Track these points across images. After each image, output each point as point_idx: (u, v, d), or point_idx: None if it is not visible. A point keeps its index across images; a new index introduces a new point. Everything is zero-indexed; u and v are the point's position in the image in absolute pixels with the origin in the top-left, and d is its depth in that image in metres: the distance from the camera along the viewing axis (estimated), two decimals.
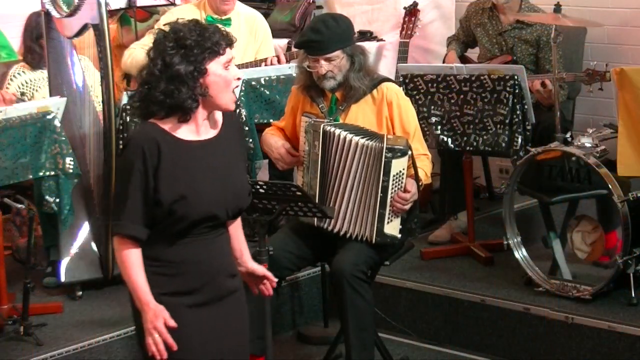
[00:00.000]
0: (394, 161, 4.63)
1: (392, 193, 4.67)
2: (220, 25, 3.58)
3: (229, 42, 3.50)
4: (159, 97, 3.43)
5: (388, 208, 4.68)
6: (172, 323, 3.40)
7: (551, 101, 5.64)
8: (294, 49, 6.49)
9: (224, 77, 3.48)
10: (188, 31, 3.44)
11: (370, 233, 4.70)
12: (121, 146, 5.20)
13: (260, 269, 3.79)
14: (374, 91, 4.82)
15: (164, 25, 3.54)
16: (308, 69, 4.77)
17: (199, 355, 3.53)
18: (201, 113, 3.50)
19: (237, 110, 5.37)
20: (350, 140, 4.69)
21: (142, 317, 3.44)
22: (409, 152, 4.66)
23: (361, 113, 4.81)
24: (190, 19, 3.53)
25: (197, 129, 3.52)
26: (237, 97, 5.46)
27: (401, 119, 4.81)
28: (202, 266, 3.52)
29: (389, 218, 4.69)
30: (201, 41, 3.43)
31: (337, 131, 4.70)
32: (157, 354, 3.40)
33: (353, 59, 4.74)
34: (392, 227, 4.72)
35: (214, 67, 3.46)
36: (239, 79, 3.54)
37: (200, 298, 3.52)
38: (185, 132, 3.50)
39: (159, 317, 3.40)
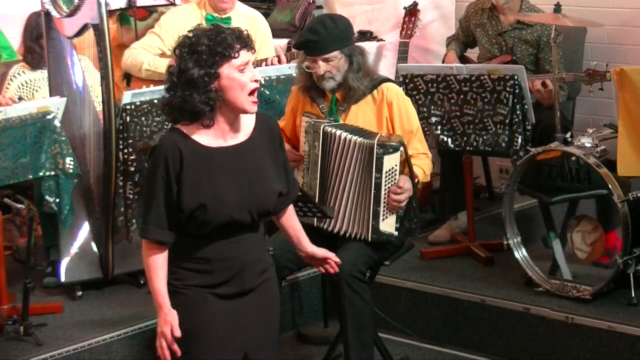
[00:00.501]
0: (385, 157, 4.63)
1: (385, 190, 4.67)
2: (241, 28, 3.60)
3: (245, 44, 3.53)
4: (177, 104, 3.51)
5: (382, 205, 4.67)
6: (177, 333, 3.50)
7: (551, 101, 5.64)
8: (293, 49, 6.49)
9: (238, 80, 3.51)
10: (202, 36, 3.49)
11: (367, 231, 4.70)
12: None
13: (321, 252, 3.97)
14: (374, 92, 4.82)
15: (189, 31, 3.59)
16: (307, 70, 4.77)
17: (222, 345, 3.60)
18: (223, 118, 3.56)
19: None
20: (348, 140, 4.69)
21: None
22: (401, 149, 4.65)
23: (361, 113, 4.81)
24: (210, 25, 3.59)
25: (223, 134, 3.58)
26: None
27: (401, 119, 4.81)
28: (227, 263, 3.60)
29: (384, 215, 4.69)
30: (212, 45, 3.48)
31: (337, 132, 4.71)
32: (162, 358, 3.52)
33: (352, 60, 4.74)
34: (388, 224, 4.71)
35: (227, 70, 3.49)
36: (256, 80, 3.56)
37: (225, 290, 3.60)
38: (211, 138, 3.56)
39: (167, 324, 3.51)
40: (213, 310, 3.59)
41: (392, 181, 4.68)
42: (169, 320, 3.52)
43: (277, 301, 3.81)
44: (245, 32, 3.58)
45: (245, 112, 3.58)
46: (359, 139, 4.67)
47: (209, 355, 3.59)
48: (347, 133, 4.70)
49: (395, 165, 4.66)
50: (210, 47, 3.48)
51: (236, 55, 3.50)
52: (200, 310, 3.57)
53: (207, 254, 3.58)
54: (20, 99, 6.01)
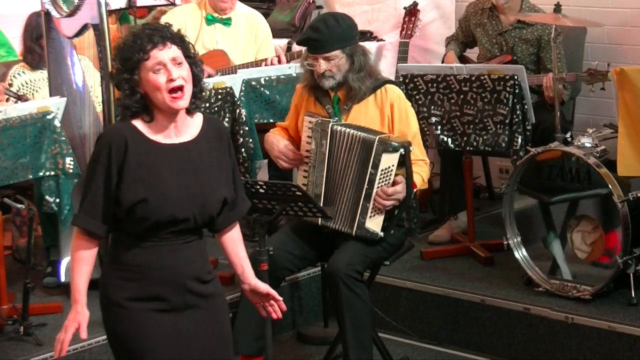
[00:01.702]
0: (383, 155, 4.63)
1: (377, 187, 4.66)
2: (168, 24, 3.52)
3: (155, 43, 3.43)
4: (118, 102, 3.52)
5: (372, 202, 4.67)
6: (83, 335, 3.44)
7: (557, 99, 5.66)
8: (295, 49, 6.49)
9: (152, 82, 3.43)
10: (123, 42, 3.47)
11: (352, 224, 4.69)
12: None
13: (264, 287, 3.69)
14: (377, 92, 4.82)
15: None
16: (308, 67, 4.78)
17: None
18: (161, 115, 3.48)
19: (239, 111, 5.37)
20: (354, 136, 4.70)
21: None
22: (401, 151, 4.64)
23: (363, 113, 4.82)
24: (145, 22, 3.58)
25: (168, 132, 3.50)
26: (237, 96, 5.46)
27: (401, 122, 4.81)
28: (167, 272, 3.47)
29: (371, 213, 4.68)
30: (127, 50, 3.45)
31: (345, 130, 4.71)
32: (55, 350, 3.43)
33: (353, 60, 4.74)
34: (374, 223, 4.70)
35: (144, 74, 3.44)
36: (172, 80, 3.41)
37: (166, 305, 3.48)
38: (157, 134, 3.49)
39: (75, 321, 3.44)
40: (155, 327, 3.46)
41: (386, 180, 4.67)
42: (79, 319, 3.43)
43: (225, 317, 3.63)
44: (164, 28, 3.47)
45: (170, 109, 3.46)
46: (363, 134, 4.68)
47: None
48: (354, 130, 4.70)
49: (392, 166, 4.66)
50: (125, 52, 3.45)
51: (146, 57, 3.43)
52: (142, 329, 3.45)
53: (145, 260, 3.45)
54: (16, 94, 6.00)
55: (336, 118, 4.81)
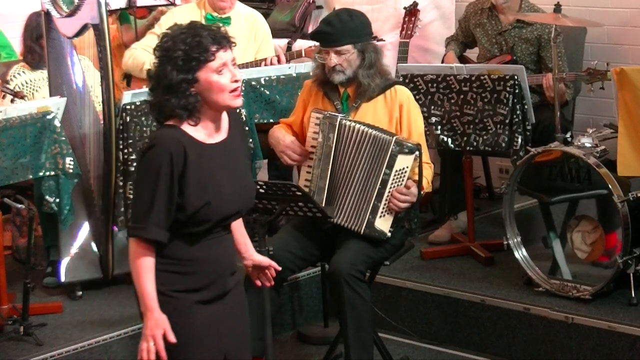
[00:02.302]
0: (399, 156, 4.64)
1: (391, 188, 4.67)
2: (219, 25, 3.58)
3: (221, 44, 3.48)
4: (157, 106, 3.50)
5: (384, 202, 4.68)
6: (171, 338, 3.43)
7: (560, 99, 5.65)
8: (295, 48, 6.49)
9: (216, 83, 3.46)
10: (178, 40, 3.44)
11: (361, 223, 4.70)
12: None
13: (266, 260, 3.87)
14: (387, 92, 4.82)
15: (166, 30, 3.55)
16: (320, 60, 4.78)
17: (207, 351, 3.57)
18: (206, 116, 3.52)
19: (238, 110, 5.38)
20: (364, 133, 4.71)
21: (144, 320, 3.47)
22: (417, 153, 4.67)
23: (371, 112, 4.82)
24: (187, 23, 3.52)
25: (211, 132, 3.55)
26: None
27: (409, 124, 4.82)
28: (214, 264, 3.57)
29: (382, 212, 4.69)
30: (188, 50, 3.43)
31: (355, 125, 4.72)
32: None
33: (364, 56, 4.75)
34: (384, 223, 4.71)
35: (205, 74, 3.45)
36: (236, 80, 3.51)
37: (207, 295, 3.56)
38: (202, 135, 3.53)
39: (159, 327, 3.43)
40: (199, 317, 3.53)
41: (399, 181, 4.68)
42: (161, 325, 3.43)
43: (246, 305, 3.76)
44: (222, 30, 3.52)
45: (230, 108, 3.56)
46: (377, 133, 4.69)
47: None
48: (364, 127, 4.71)
49: (407, 167, 4.67)
50: (186, 52, 3.43)
51: (212, 58, 3.45)
52: (186, 319, 3.51)
53: (194, 255, 3.52)
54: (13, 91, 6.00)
55: (344, 114, 4.81)
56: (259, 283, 3.90)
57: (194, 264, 3.53)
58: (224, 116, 3.62)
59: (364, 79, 4.75)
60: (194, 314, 3.53)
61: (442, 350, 5.42)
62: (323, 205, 4.72)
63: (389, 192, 4.68)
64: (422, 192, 4.75)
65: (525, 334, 5.20)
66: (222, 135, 3.59)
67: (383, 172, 4.66)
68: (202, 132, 3.52)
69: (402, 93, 4.85)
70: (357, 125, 4.73)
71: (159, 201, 3.44)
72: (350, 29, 4.74)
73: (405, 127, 4.81)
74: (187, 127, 3.50)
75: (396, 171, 4.67)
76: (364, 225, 4.70)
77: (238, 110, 5.30)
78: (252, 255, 3.85)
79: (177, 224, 3.49)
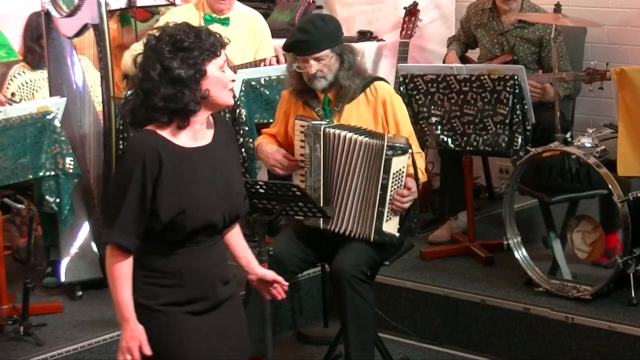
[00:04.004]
0: (394, 159, 4.64)
1: (391, 191, 4.67)
2: (217, 25, 3.59)
3: (223, 44, 3.46)
4: (159, 103, 3.36)
5: (387, 206, 4.68)
6: (147, 350, 3.35)
7: (549, 96, 5.66)
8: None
9: (221, 79, 3.43)
10: (184, 34, 3.38)
11: (369, 231, 4.70)
12: (120, 152, 5.18)
13: (270, 274, 3.75)
14: (367, 90, 4.82)
15: (153, 29, 3.48)
16: (298, 70, 4.76)
17: None
18: (200, 117, 3.44)
19: (230, 113, 5.38)
20: (353, 140, 4.69)
21: (121, 331, 3.38)
22: (410, 151, 4.67)
23: (355, 113, 4.81)
24: (180, 22, 3.47)
25: (195, 135, 3.45)
26: (237, 96, 5.46)
27: (395, 117, 4.81)
28: (200, 276, 3.46)
29: (387, 216, 4.70)
30: (199, 43, 3.38)
31: (339, 132, 4.71)
32: None
33: (342, 58, 4.73)
34: (391, 226, 4.72)
35: (212, 69, 3.41)
36: (233, 80, 3.50)
37: (198, 307, 3.47)
38: (185, 139, 3.43)
39: (134, 339, 3.35)
40: (190, 329, 3.44)
41: (398, 182, 4.68)
42: (137, 336, 3.34)
43: (243, 315, 3.66)
44: (216, 32, 3.50)
45: (228, 106, 3.52)
46: (366, 139, 4.67)
47: None
48: (351, 133, 4.69)
49: (403, 167, 4.68)
50: (197, 44, 3.38)
51: (219, 53, 3.43)
52: (177, 333, 3.43)
53: (178, 267, 3.42)
54: (17, 98, 6.00)
55: (327, 120, 4.79)
56: (268, 297, 3.81)
57: (177, 276, 3.43)
58: (210, 120, 3.53)
59: (344, 81, 4.72)
60: (184, 326, 3.43)
61: (442, 350, 5.42)
62: (330, 209, 4.72)
63: (391, 195, 4.68)
64: (419, 184, 4.75)
65: (525, 334, 5.20)
66: (206, 139, 3.49)
67: (381, 177, 4.65)
68: (184, 136, 3.43)
69: (382, 89, 4.83)
70: (343, 133, 4.69)
71: (127, 206, 3.34)
72: (326, 33, 4.72)
73: (391, 122, 4.80)
74: (166, 132, 3.40)
75: (394, 174, 4.66)
76: (373, 232, 4.70)
77: (238, 111, 5.34)
78: (254, 269, 3.73)
79: (156, 233, 3.39)
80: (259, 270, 3.74)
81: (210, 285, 3.48)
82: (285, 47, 4.86)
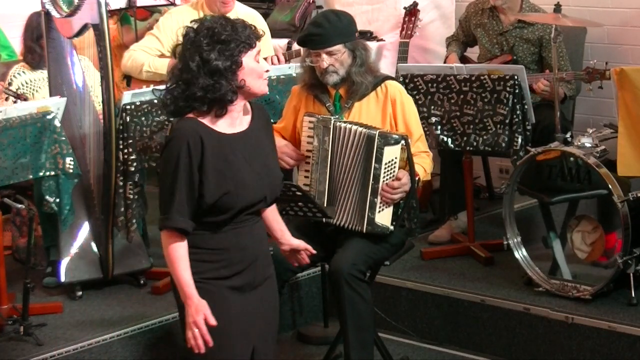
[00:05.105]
0: (385, 148, 4.63)
1: (383, 181, 4.67)
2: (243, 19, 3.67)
3: (258, 36, 3.64)
4: (198, 93, 3.54)
5: (379, 197, 4.68)
6: (212, 320, 3.50)
7: (551, 96, 5.66)
8: (294, 47, 6.49)
9: (256, 69, 3.61)
10: (221, 27, 3.56)
11: (362, 222, 4.70)
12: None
13: (302, 244, 4.04)
14: (378, 89, 4.83)
15: (191, 22, 3.64)
16: (310, 64, 4.78)
17: (239, 339, 3.64)
18: (238, 105, 3.63)
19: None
20: (355, 131, 4.70)
21: (185, 310, 3.55)
22: (402, 142, 4.65)
23: (365, 110, 4.82)
24: (218, 15, 3.71)
25: (233, 122, 3.64)
26: None
27: (404, 117, 4.82)
28: (244, 252, 3.65)
29: (380, 207, 4.69)
30: (235, 36, 3.56)
31: (348, 126, 4.72)
32: (196, 347, 3.50)
33: (355, 54, 4.75)
34: (384, 217, 4.70)
35: (247, 60, 3.59)
36: (267, 70, 3.66)
37: (240, 281, 3.64)
38: (224, 126, 3.62)
39: (199, 313, 3.50)
40: (230, 304, 3.62)
41: (391, 173, 4.68)
42: (201, 310, 3.50)
43: (277, 299, 3.87)
44: (251, 24, 3.67)
45: (263, 94, 3.68)
46: (363, 130, 4.70)
47: (229, 349, 3.62)
48: (357, 126, 4.72)
49: (395, 158, 4.67)
50: (234, 37, 3.56)
51: (254, 45, 3.60)
52: (219, 305, 3.58)
53: (224, 244, 3.62)
54: (13, 87, 5.99)
55: (337, 116, 4.81)
56: (295, 264, 4.11)
57: (223, 252, 3.61)
58: (247, 107, 3.71)
59: (356, 78, 4.75)
60: (227, 300, 3.61)
61: (442, 350, 5.42)
62: (331, 208, 4.73)
63: (382, 186, 4.67)
64: (419, 180, 4.75)
65: (525, 334, 5.20)
66: (244, 125, 3.68)
67: (373, 167, 4.66)
68: (223, 123, 3.62)
69: (393, 88, 4.84)
70: (350, 126, 4.73)
71: (179, 191, 3.54)
72: (339, 28, 4.74)
73: (400, 121, 4.81)
74: (205, 119, 3.59)
75: (385, 164, 4.66)
76: (365, 223, 4.70)
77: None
78: (289, 240, 4.01)
79: (202, 213, 3.57)
80: (293, 241, 4.03)
81: (251, 263, 3.66)
82: (299, 41, 4.95)
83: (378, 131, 4.65)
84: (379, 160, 4.64)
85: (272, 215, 3.94)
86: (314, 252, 4.09)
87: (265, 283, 3.75)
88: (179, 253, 3.56)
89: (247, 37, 3.58)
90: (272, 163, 3.75)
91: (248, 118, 3.71)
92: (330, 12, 4.92)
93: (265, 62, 3.68)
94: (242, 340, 3.66)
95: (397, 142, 4.65)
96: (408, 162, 4.69)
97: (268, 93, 3.75)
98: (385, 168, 4.65)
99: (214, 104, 3.57)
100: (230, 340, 3.63)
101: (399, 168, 4.69)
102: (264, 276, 3.74)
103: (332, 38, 4.72)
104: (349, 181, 4.75)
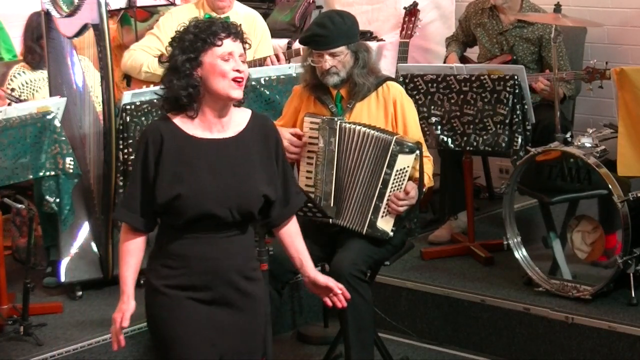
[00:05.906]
0: (400, 156, 4.64)
1: (392, 188, 4.67)
2: (235, 22, 3.62)
3: (230, 34, 3.52)
4: (164, 93, 3.55)
5: (385, 202, 4.68)
6: (125, 323, 3.55)
7: (551, 96, 5.66)
8: (294, 47, 6.48)
9: (219, 67, 3.49)
10: (194, 25, 3.53)
11: (363, 223, 4.70)
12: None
13: (323, 280, 3.77)
14: (379, 89, 4.83)
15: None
16: (312, 64, 4.78)
17: (200, 350, 3.55)
18: (209, 109, 3.53)
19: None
20: (365, 134, 4.70)
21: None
22: (417, 152, 4.67)
23: (366, 111, 4.82)
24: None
25: (210, 127, 3.54)
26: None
27: (404, 119, 4.83)
28: (207, 263, 3.53)
29: (383, 212, 4.69)
30: (198, 33, 3.50)
31: (354, 127, 4.72)
32: (114, 343, 3.59)
33: (357, 56, 4.76)
34: (386, 223, 4.71)
35: (210, 58, 3.49)
36: (239, 71, 3.51)
37: (203, 295, 3.54)
38: (197, 129, 3.53)
39: (119, 311, 3.56)
40: (190, 314, 3.53)
41: (400, 181, 4.68)
42: (123, 309, 3.54)
43: (263, 316, 3.69)
44: (238, 26, 3.58)
45: (230, 98, 3.52)
46: (377, 133, 4.69)
47: (186, 357, 3.54)
48: (364, 128, 4.72)
49: (408, 167, 4.68)
50: (195, 34, 3.50)
51: (219, 43, 3.50)
52: (176, 314, 3.53)
53: (186, 251, 3.52)
54: (16, 93, 6.00)
55: (340, 116, 4.81)
56: (329, 303, 3.80)
57: (183, 259, 3.53)
58: (242, 116, 3.61)
59: (358, 79, 4.75)
60: (185, 310, 3.53)
61: (442, 350, 5.42)
62: (331, 209, 4.72)
63: (390, 192, 4.68)
64: (424, 189, 4.76)
65: (525, 334, 5.21)
66: (227, 133, 3.56)
67: (384, 172, 4.67)
68: (197, 126, 3.53)
69: (395, 89, 4.85)
70: (357, 127, 4.73)
71: (132, 186, 3.55)
72: (343, 30, 4.74)
73: (400, 122, 4.82)
74: (179, 120, 3.53)
75: (397, 171, 4.67)
76: (366, 225, 4.70)
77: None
78: (307, 272, 3.77)
79: (159, 213, 3.54)
80: (312, 273, 3.77)
81: (218, 276, 3.53)
82: (301, 40, 4.91)
83: (395, 137, 4.65)
84: (391, 166, 4.65)
85: (292, 240, 3.75)
86: (346, 292, 3.78)
87: (246, 300, 3.57)
88: (127, 248, 3.57)
89: (209, 34, 3.48)
90: (249, 176, 3.55)
91: (239, 127, 3.58)
92: (335, 13, 4.92)
93: (240, 65, 3.52)
94: (204, 352, 3.54)
95: (412, 151, 4.66)
96: (420, 173, 4.69)
97: (235, 97, 3.52)
98: (396, 175, 4.66)
99: (173, 103, 3.52)
100: (185, 351, 3.53)
101: (409, 176, 4.69)
102: (242, 291, 3.56)
103: (336, 39, 4.72)
104: (355, 182, 4.75)
